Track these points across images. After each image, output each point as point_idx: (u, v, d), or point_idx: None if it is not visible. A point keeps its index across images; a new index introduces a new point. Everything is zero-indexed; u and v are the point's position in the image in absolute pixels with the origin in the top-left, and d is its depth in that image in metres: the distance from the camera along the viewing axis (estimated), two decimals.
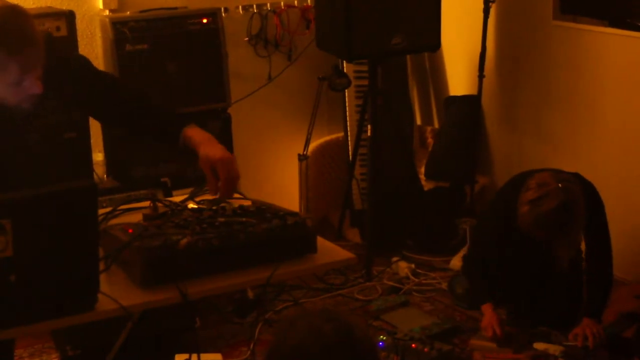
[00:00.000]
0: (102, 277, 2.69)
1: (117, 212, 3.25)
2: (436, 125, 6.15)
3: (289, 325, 2.07)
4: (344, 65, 5.46)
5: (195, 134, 3.08)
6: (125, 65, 4.72)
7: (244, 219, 2.97)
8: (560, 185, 3.88)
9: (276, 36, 5.62)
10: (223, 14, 5.11)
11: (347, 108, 5.67)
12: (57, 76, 3.03)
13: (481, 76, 5.51)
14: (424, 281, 5.19)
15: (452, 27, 5.70)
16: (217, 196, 3.08)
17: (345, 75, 5.32)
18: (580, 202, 3.91)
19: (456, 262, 5.25)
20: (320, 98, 5.46)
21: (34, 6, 4.78)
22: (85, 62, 3.21)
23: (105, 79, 3.24)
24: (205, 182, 3.09)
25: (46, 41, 2.99)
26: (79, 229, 2.55)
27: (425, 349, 4.17)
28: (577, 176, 4.10)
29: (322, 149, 5.81)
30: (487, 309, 4.25)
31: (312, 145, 5.63)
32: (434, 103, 6.19)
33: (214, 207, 3.08)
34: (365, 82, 5.38)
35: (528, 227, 3.96)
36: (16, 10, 2.86)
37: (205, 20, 4.90)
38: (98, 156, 4.85)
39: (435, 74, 6.13)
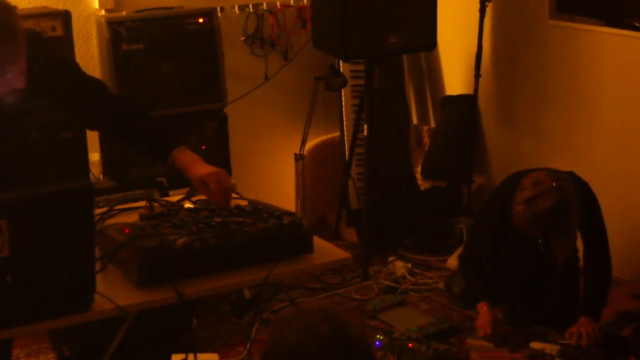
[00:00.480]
0: (99, 278, 2.69)
1: (114, 212, 3.25)
2: (432, 124, 6.15)
3: (285, 325, 2.07)
4: (340, 64, 5.46)
5: (184, 157, 3.09)
6: (122, 65, 4.72)
7: (240, 219, 2.97)
8: (554, 184, 3.89)
9: (272, 36, 5.62)
10: (219, 14, 5.11)
11: (344, 107, 5.66)
12: (49, 75, 3.03)
13: (477, 76, 5.52)
14: (420, 281, 5.18)
15: (448, 27, 5.70)
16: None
17: (341, 75, 5.32)
18: (574, 200, 3.92)
19: (453, 261, 5.25)
20: (317, 97, 5.46)
21: (29, 6, 4.77)
22: (77, 66, 3.22)
23: (98, 85, 3.23)
24: None
25: (37, 40, 3.00)
26: (75, 229, 2.55)
27: (422, 349, 4.16)
28: (571, 175, 4.11)
29: (319, 148, 5.80)
30: (482, 308, 4.24)
31: (309, 144, 5.63)
32: (430, 102, 6.19)
33: (210, 207, 3.08)
34: (362, 82, 5.38)
35: (524, 226, 3.97)
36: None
37: (201, 20, 4.90)
38: (94, 156, 4.84)
39: (432, 74, 6.13)
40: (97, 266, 2.73)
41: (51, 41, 4.36)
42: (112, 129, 3.27)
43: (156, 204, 3.15)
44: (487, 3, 5.38)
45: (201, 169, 3.06)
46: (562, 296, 4.37)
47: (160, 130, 3.18)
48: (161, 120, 3.37)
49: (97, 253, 2.75)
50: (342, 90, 5.54)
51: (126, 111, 3.21)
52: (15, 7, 2.92)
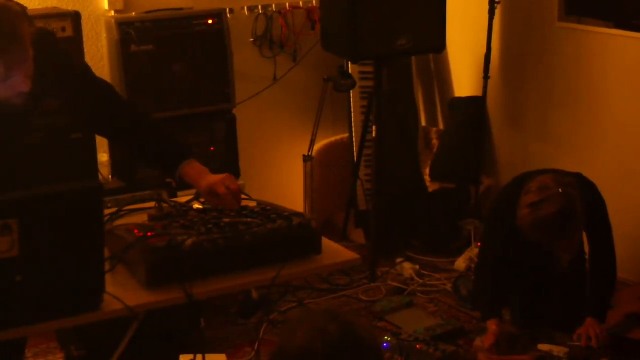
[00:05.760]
0: (108, 278, 2.70)
1: (123, 213, 3.26)
2: (441, 126, 6.15)
3: (293, 326, 2.07)
4: (349, 66, 5.47)
5: (191, 171, 3.10)
6: (131, 65, 4.73)
7: (249, 220, 2.98)
8: (561, 190, 3.88)
9: (281, 37, 5.62)
10: (228, 15, 5.12)
11: (352, 109, 5.66)
12: (59, 77, 3.03)
13: (486, 77, 5.52)
14: (428, 282, 5.18)
15: (457, 28, 5.70)
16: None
17: (350, 76, 5.32)
18: (579, 208, 3.90)
19: (461, 263, 5.25)
20: (325, 99, 5.46)
21: (39, 7, 4.78)
22: (88, 68, 3.22)
23: (108, 90, 3.22)
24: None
25: (49, 39, 3.00)
26: (84, 229, 2.55)
27: (430, 350, 4.17)
28: (579, 177, 4.09)
29: (327, 149, 5.81)
30: (491, 325, 4.21)
31: (317, 146, 5.63)
32: (439, 104, 6.19)
33: (219, 208, 3.09)
34: (370, 83, 5.38)
35: (526, 230, 3.96)
36: (4, 6, 2.85)
37: (210, 21, 4.91)
38: (103, 157, 4.85)
39: (441, 75, 6.13)
40: (106, 266, 2.74)
41: (61, 42, 4.38)
42: (119, 136, 3.26)
43: (165, 205, 3.16)
44: (496, 5, 5.38)
45: (208, 179, 3.06)
46: (569, 298, 4.36)
47: (168, 142, 3.17)
48: (170, 129, 3.35)
49: (106, 253, 2.75)
50: (351, 91, 5.54)
51: (135, 119, 3.20)
52: (25, 8, 2.93)
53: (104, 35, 4.98)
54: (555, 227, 3.89)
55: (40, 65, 2.88)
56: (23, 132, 3.14)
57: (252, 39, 5.55)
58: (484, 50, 5.47)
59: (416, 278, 5.19)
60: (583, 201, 3.93)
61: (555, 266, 4.22)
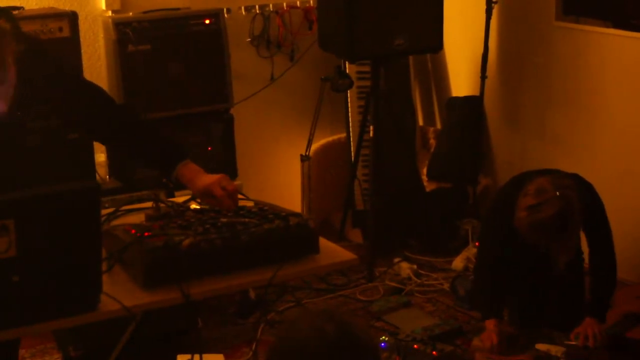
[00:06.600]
0: (105, 278, 2.70)
1: (120, 213, 3.26)
2: (438, 126, 6.15)
3: (290, 326, 2.07)
4: (347, 66, 5.46)
5: (187, 172, 3.10)
6: (128, 65, 4.72)
7: (246, 220, 2.98)
8: (558, 193, 3.88)
9: (278, 37, 5.62)
10: (225, 15, 5.11)
11: (350, 109, 5.67)
12: (50, 86, 3.03)
13: (483, 77, 5.52)
14: (426, 282, 5.19)
15: (454, 28, 5.70)
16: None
17: (347, 76, 5.32)
18: (576, 210, 3.90)
19: (458, 263, 5.25)
20: (323, 99, 5.46)
21: (36, 7, 4.78)
22: (78, 74, 3.22)
23: (100, 95, 3.22)
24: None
25: (37, 47, 3.01)
26: (81, 229, 2.55)
27: (427, 350, 4.17)
28: (575, 178, 4.09)
29: (325, 149, 5.80)
30: (489, 325, 4.20)
31: (315, 146, 5.63)
32: (436, 104, 6.19)
33: (216, 208, 3.09)
34: (368, 83, 5.38)
35: (524, 232, 3.96)
36: None
37: (207, 21, 4.91)
38: (100, 157, 4.85)
39: (438, 75, 6.13)
40: (104, 266, 2.74)
41: (58, 42, 4.38)
42: (115, 137, 3.25)
43: (162, 205, 3.16)
44: (493, 4, 5.38)
45: (203, 180, 3.06)
46: (567, 298, 4.36)
47: (164, 143, 3.18)
48: (167, 129, 3.36)
49: (103, 253, 2.75)
50: (348, 91, 5.54)
51: (130, 120, 3.21)
52: (14, 22, 2.91)
53: (101, 35, 4.98)
54: (552, 230, 3.89)
55: (28, 71, 2.88)
56: (15, 138, 3.14)
57: (249, 39, 5.54)
58: (481, 49, 5.47)
59: (414, 278, 5.19)
60: (581, 203, 3.93)
61: (552, 267, 4.22)
